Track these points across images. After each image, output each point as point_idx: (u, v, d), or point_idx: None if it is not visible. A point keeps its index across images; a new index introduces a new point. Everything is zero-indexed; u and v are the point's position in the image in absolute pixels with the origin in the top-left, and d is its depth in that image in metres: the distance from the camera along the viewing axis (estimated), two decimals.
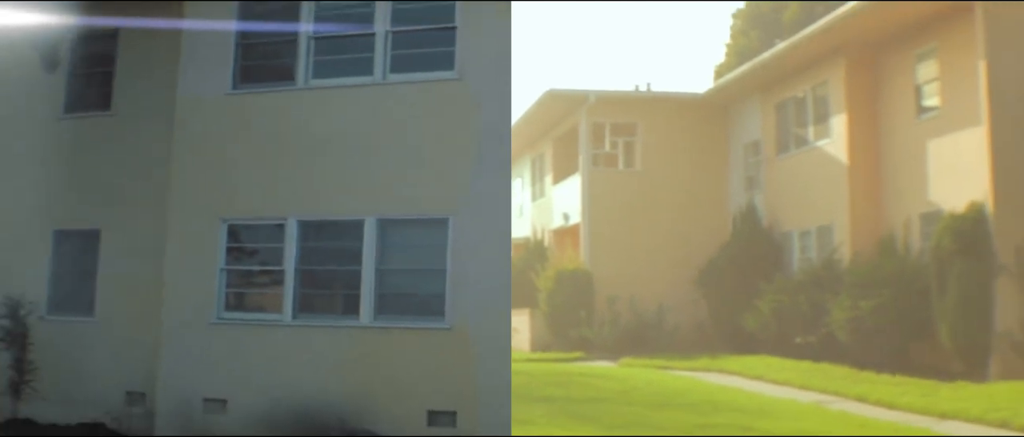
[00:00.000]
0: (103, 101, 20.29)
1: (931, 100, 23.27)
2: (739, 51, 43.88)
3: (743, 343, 27.02)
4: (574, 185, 33.71)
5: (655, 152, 32.70)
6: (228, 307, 17.66)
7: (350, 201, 16.91)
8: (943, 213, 21.48)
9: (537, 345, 31.68)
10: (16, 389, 18.79)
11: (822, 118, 27.04)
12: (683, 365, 24.77)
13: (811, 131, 27.69)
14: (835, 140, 26.10)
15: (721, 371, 23.50)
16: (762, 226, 29.01)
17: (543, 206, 38.03)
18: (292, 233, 17.21)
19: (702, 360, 25.28)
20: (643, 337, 30.14)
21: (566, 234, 35.50)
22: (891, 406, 17.21)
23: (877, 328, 21.93)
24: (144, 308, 18.46)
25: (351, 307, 16.92)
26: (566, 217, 34.76)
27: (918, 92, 23.72)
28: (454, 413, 15.86)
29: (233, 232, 17.80)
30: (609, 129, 33.01)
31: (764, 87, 29.96)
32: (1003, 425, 14.83)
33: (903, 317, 21.69)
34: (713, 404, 17.51)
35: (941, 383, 19.12)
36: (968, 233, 20.28)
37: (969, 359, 20.31)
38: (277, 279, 17.33)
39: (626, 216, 31.90)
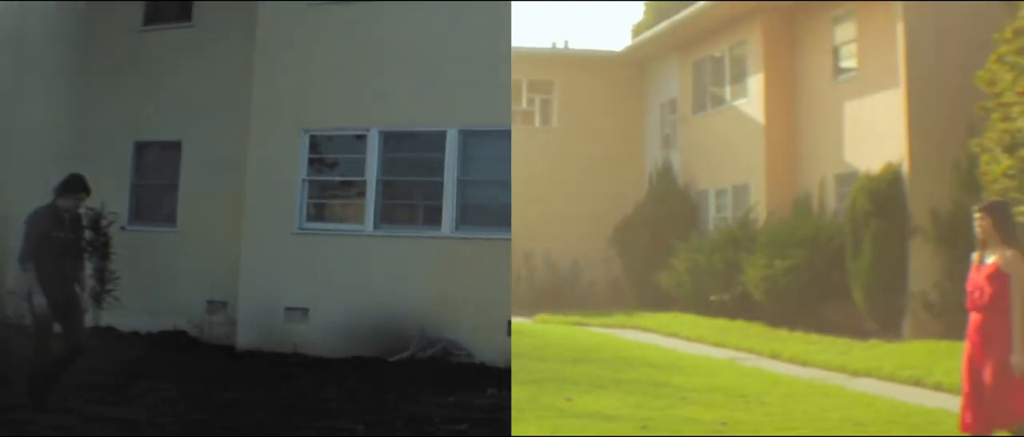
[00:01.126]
0: (184, 12, 20.43)
1: (848, 62, 23.35)
2: (657, 9, 43.70)
3: (658, 300, 27.07)
4: None
5: (572, 109, 32.62)
6: (309, 217, 17.77)
7: (432, 112, 16.95)
8: (859, 174, 21.56)
9: None
10: (98, 298, 18.88)
11: (739, 78, 27.06)
12: (598, 321, 24.78)
13: (728, 91, 27.72)
14: (752, 100, 26.14)
15: (636, 328, 23.53)
16: (678, 184, 29.04)
17: None
18: (374, 144, 17.25)
19: (617, 317, 25.31)
20: (559, 293, 30.14)
21: None
22: (805, 363, 17.29)
23: (791, 287, 22.03)
24: (225, 218, 18.66)
25: (432, 218, 17.04)
26: None
27: (835, 54, 23.79)
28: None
29: (314, 143, 17.83)
30: (526, 86, 32.90)
31: (682, 46, 29.89)
32: (916, 383, 14.91)
33: (817, 276, 21.81)
34: (627, 360, 17.51)
35: (854, 342, 19.24)
36: (883, 194, 20.39)
37: (882, 319, 20.46)
38: (359, 190, 17.43)
39: (542, 173, 31.78)
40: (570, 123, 32.48)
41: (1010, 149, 17.58)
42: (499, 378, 14.73)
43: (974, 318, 8.49)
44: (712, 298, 24.52)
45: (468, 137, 16.82)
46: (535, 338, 20.81)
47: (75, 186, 11.11)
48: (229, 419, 11.43)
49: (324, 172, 18.08)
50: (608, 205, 30.64)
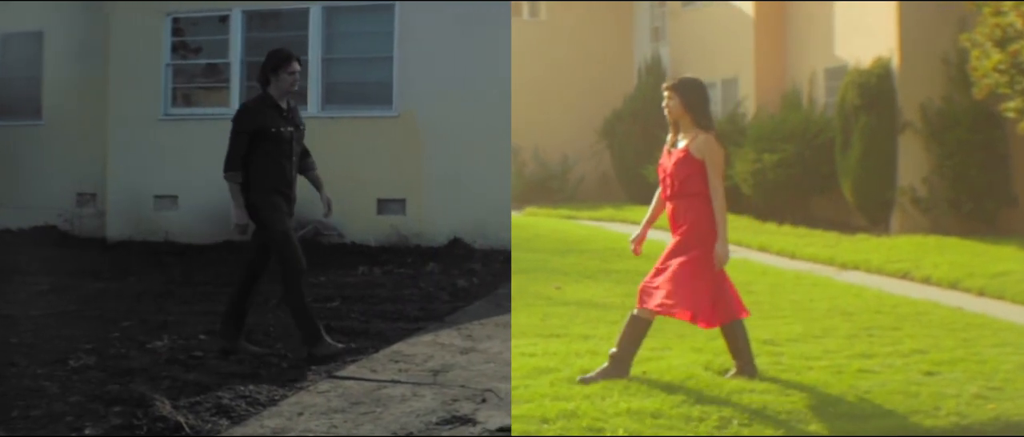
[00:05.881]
0: None
1: None
2: None
3: (647, 194, 26.74)
4: None
5: (560, 2, 32.39)
6: (174, 103, 17.62)
7: None
8: (849, 68, 21.52)
9: None
10: None
11: None
12: (587, 215, 24.83)
13: None
14: None
15: (625, 221, 23.58)
16: (667, 78, 28.84)
17: None
18: (237, 24, 17.05)
19: (606, 210, 25.37)
20: (548, 188, 30.15)
21: None
22: (793, 256, 17.43)
23: (780, 181, 22.06)
24: (91, 109, 18.28)
25: (298, 98, 16.92)
26: None
27: None
28: (403, 201, 15.99)
29: (177, 27, 17.63)
30: None
31: None
32: (903, 276, 15.07)
33: (806, 171, 21.84)
34: (615, 251, 17.56)
35: (843, 236, 19.37)
36: (873, 88, 20.36)
37: (871, 213, 20.54)
38: (223, 73, 17.25)
39: (531, 66, 31.59)
40: (559, 16, 32.23)
41: (1001, 44, 17.57)
42: (370, 256, 15.01)
43: (668, 207, 8.16)
44: None
45: (333, 13, 16.71)
46: (524, 230, 20.85)
47: (286, 58, 8.87)
48: (101, 308, 11.44)
49: (188, 56, 17.89)
50: (597, 99, 30.47)
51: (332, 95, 16.80)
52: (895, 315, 11.48)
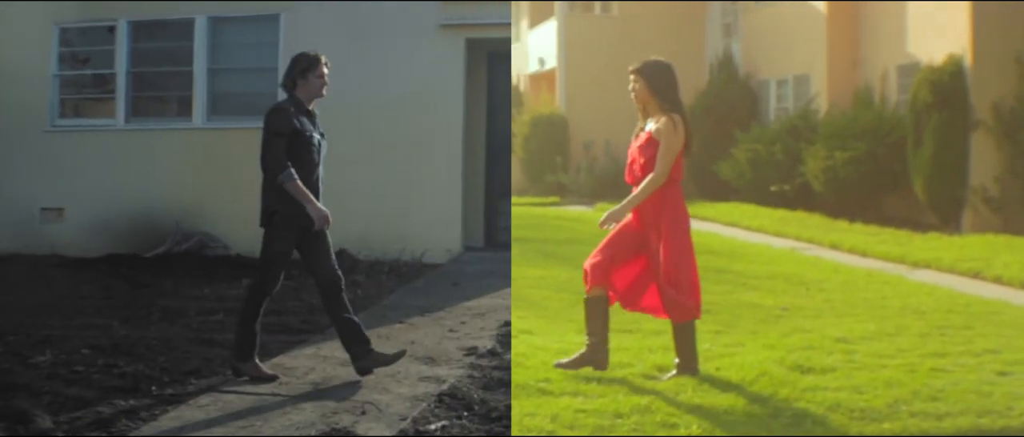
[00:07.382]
0: None
1: None
2: None
3: (718, 190, 27.09)
4: (550, 30, 33.49)
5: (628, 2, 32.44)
6: (62, 114, 17.70)
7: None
8: (921, 66, 21.46)
9: (513, 190, 31.71)
10: None
11: None
12: None
13: None
14: None
15: (696, 217, 23.42)
16: (739, 74, 28.87)
17: (519, 51, 37.62)
18: (123, 35, 17.12)
19: None
20: (618, 183, 30.05)
21: (542, 79, 35.30)
22: (864, 254, 17.42)
23: (851, 178, 22.04)
24: None
25: (185, 109, 17.04)
26: (542, 62, 34.55)
27: None
28: None
29: (66, 37, 17.67)
30: None
31: None
32: (975, 275, 15.03)
33: (878, 168, 21.81)
34: None
35: (914, 234, 19.33)
36: (945, 86, 20.30)
37: (942, 212, 20.48)
38: (110, 83, 17.33)
39: (602, 61, 31.62)
40: (631, 11, 32.28)
41: None
42: (255, 269, 14.71)
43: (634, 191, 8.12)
44: (772, 189, 24.56)
45: (218, 24, 16.75)
46: (594, 225, 20.85)
47: (315, 61, 8.56)
48: None
49: (76, 67, 17.82)
50: None
51: (218, 106, 16.85)
52: (967, 314, 11.51)
